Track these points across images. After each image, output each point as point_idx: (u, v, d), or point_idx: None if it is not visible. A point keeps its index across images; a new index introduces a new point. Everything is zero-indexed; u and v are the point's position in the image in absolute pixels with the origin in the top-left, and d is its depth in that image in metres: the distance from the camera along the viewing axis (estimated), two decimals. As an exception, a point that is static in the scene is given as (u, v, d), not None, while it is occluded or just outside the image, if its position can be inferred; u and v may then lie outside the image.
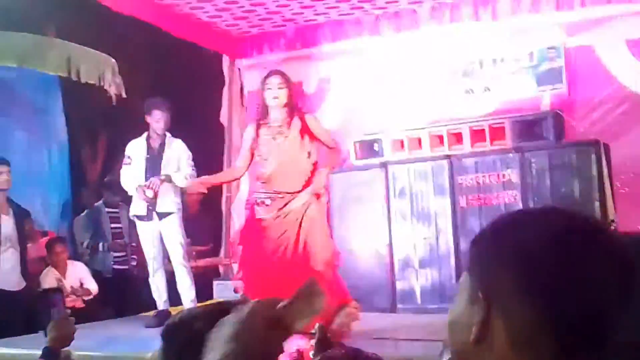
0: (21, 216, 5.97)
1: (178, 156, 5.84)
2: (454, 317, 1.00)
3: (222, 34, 7.49)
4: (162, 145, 5.87)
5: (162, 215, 5.74)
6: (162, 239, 5.79)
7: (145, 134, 5.89)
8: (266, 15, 7.02)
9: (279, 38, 7.50)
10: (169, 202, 5.75)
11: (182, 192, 6.08)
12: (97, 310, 6.63)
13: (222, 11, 6.85)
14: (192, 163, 5.87)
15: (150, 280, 5.87)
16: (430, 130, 6.58)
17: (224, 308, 1.46)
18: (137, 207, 5.77)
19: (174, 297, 5.87)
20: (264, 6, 6.76)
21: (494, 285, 0.93)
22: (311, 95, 7.68)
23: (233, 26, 7.32)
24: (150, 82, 7.09)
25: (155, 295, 5.86)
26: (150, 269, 5.84)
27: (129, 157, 5.84)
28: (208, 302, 1.61)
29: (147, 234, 5.80)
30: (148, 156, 5.81)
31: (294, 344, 2.55)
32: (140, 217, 5.80)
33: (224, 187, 7.87)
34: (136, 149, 5.86)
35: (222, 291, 6.97)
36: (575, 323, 0.89)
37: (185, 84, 7.12)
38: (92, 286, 6.68)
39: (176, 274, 5.81)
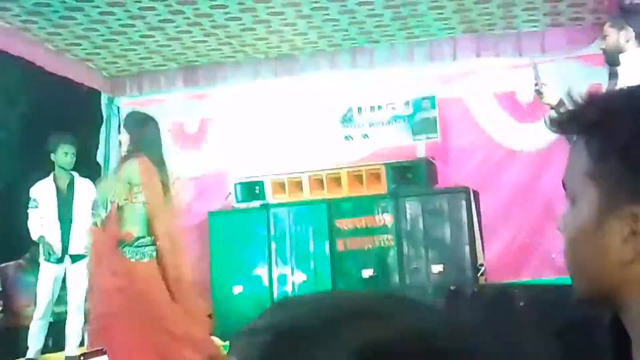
0: None
1: (88, 197, 5.68)
2: (577, 230, 0.80)
3: (99, 72, 7.31)
4: (71, 185, 5.71)
5: (75, 258, 5.57)
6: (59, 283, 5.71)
7: (51, 175, 5.71)
8: (146, 54, 6.92)
9: (159, 77, 7.41)
10: (81, 245, 5.59)
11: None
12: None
13: (99, 49, 6.69)
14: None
15: (32, 324, 5.63)
16: (311, 174, 6.69)
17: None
18: (49, 250, 5.59)
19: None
20: (144, 45, 6.66)
21: None
22: (193, 135, 7.63)
23: (111, 64, 7.16)
24: (28, 120, 6.82)
25: (30, 341, 5.63)
26: (38, 313, 5.64)
27: (34, 200, 5.64)
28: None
29: (49, 277, 5.65)
30: (59, 199, 5.62)
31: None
32: (49, 262, 5.61)
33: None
34: (43, 192, 5.66)
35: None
36: None
37: (64, 120, 6.87)
38: None
39: (70, 317, 5.73)
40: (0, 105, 6.22)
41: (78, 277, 5.64)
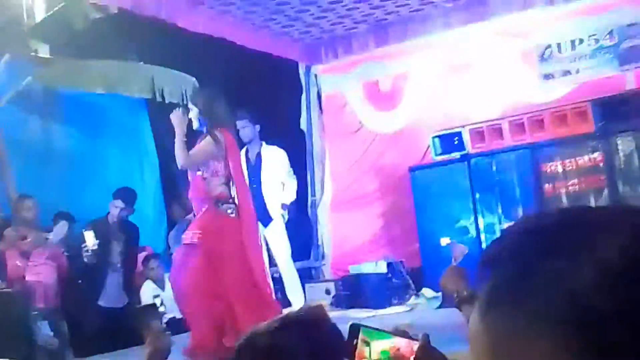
0: (130, 234, 6.36)
1: (276, 165, 6.06)
2: None
3: (296, 42, 7.64)
4: (259, 156, 6.10)
5: (266, 222, 5.95)
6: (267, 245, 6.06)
7: (244, 149, 6.13)
8: (337, 20, 7.11)
9: (351, 40, 7.58)
10: (273, 209, 5.99)
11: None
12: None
13: (294, 21, 6.99)
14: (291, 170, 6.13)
15: None
16: (511, 119, 6.50)
17: (289, 322, 1.51)
18: None
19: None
20: (335, 11, 6.85)
21: None
22: (388, 93, 7.73)
23: (306, 33, 7.45)
24: (229, 96, 7.30)
25: None
26: None
27: None
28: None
29: None
30: (248, 169, 6.04)
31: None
32: None
33: (309, 190, 8.05)
34: None
35: (312, 293, 7.12)
36: None
37: (263, 94, 7.30)
38: None
39: (284, 276, 6.05)
40: (205, 87, 6.71)
41: (275, 238, 6.02)
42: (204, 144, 4.63)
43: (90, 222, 6.12)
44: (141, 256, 6.90)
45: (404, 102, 7.60)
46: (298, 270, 7.40)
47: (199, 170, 4.65)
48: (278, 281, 6.35)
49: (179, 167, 4.69)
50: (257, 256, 4.78)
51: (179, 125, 4.61)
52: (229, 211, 4.60)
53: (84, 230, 5.90)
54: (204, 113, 4.69)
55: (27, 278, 5.61)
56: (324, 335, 1.48)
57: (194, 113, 4.73)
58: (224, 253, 4.52)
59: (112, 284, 6.20)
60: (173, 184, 9.46)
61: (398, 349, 2.52)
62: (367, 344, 2.20)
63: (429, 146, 6.95)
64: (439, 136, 6.82)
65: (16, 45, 6.53)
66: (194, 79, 6.29)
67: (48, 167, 6.85)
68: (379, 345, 2.56)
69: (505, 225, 6.30)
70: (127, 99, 7.49)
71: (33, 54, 6.99)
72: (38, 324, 5.09)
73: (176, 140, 4.58)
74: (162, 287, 6.67)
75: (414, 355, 2.09)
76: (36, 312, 5.23)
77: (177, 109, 4.79)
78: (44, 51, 7.29)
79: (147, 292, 6.46)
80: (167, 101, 6.28)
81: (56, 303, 5.76)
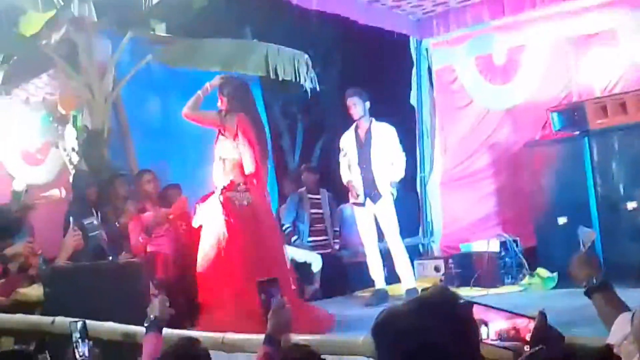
0: None
1: (385, 142, 6.05)
2: None
3: (407, 16, 7.53)
4: (368, 132, 6.09)
5: (375, 199, 5.96)
6: (376, 222, 6.08)
7: (354, 125, 6.15)
8: (450, -9, 6.96)
9: (465, 13, 7.38)
10: (382, 186, 5.99)
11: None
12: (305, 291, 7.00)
13: (406, -6, 6.89)
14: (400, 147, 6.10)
15: (368, 260, 6.14)
16: (635, 93, 6.16)
17: (426, 304, 1.50)
18: (356, 193, 6.06)
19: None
20: (447, -17, 6.70)
21: None
22: (502, 67, 7.50)
23: (417, 7, 7.33)
24: (340, 72, 7.35)
25: (373, 274, 6.13)
26: (367, 250, 6.12)
27: (342, 150, 6.17)
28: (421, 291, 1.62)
29: (364, 218, 6.11)
30: (358, 146, 6.06)
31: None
32: (357, 204, 6.10)
33: (418, 167, 7.97)
34: (347, 141, 6.15)
35: (422, 270, 7.09)
36: None
37: (374, 70, 7.27)
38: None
39: (393, 253, 6.08)
40: (319, 62, 6.75)
41: (384, 215, 6.02)
42: (211, 112, 5.26)
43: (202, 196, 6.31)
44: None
45: (519, 75, 7.35)
46: (406, 247, 7.38)
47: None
48: (387, 257, 6.35)
49: (182, 113, 5.34)
50: (273, 239, 5.20)
51: (205, 91, 5.28)
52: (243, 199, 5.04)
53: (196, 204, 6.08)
54: (228, 101, 5.19)
55: (148, 249, 5.86)
56: (459, 316, 1.47)
57: (220, 102, 5.23)
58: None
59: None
60: (283, 159, 9.66)
61: (515, 328, 2.47)
62: (485, 323, 2.16)
63: (546, 121, 6.69)
64: (558, 111, 6.56)
65: (136, 24, 6.78)
66: (306, 55, 6.33)
67: (166, 143, 7.09)
68: (496, 325, 2.49)
69: (629, 205, 6.01)
70: (240, 76, 7.64)
71: (152, 32, 7.25)
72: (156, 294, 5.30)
73: (197, 94, 5.24)
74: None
75: (530, 334, 2.04)
76: (156, 282, 5.46)
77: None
78: (160, 30, 7.55)
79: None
80: (280, 78, 6.36)
81: (175, 274, 5.98)
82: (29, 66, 6.76)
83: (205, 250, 5.03)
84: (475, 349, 1.49)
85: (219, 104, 5.22)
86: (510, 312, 2.12)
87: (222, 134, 5.16)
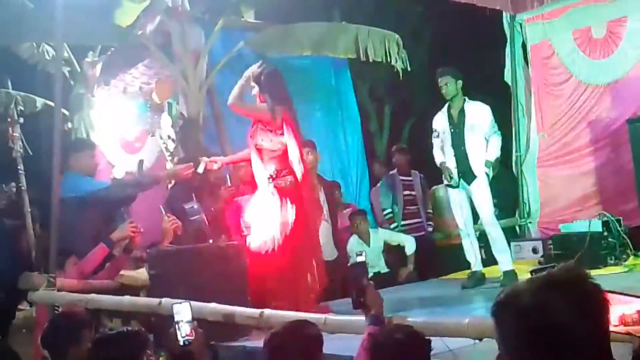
0: (331, 189, 6.51)
1: (480, 121, 5.90)
2: None
3: (500, -9, 7.32)
4: (462, 112, 5.94)
5: (470, 180, 5.88)
6: (470, 203, 5.95)
7: (446, 105, 6.02)
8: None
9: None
10: (476, 166, 5.87)
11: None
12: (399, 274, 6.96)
13: (498, -32, 6.68)
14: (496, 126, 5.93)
15: (464, 242, 6.03)
16: None
17: (551, 281, 1.43)
18: (449, 174, 5.95)
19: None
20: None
21: None
22: (601, 40, 7.18)
23: (510, -20, 7.11)
24: (429, 51, 7.22)
25: (469, 256, 6.03)
26: (462, 232, 6.02)
27: (435, 131, 6.07)
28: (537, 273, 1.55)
29: (458, 200, 5.99)
30: (451, 126, 5.95)
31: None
32: (450, 186, 6.00)
33: (514, 146, 7.76)
34: (440, 122, 6.04)
35: (519, 252, 6.91)
36: None
37: (466, 48, 7.10)
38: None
39: (489, 234, 5.96)
40: (408, 42, 6.62)
41: (479, 196, 5.87)
42: (260, 105, 5.00)
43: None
44: (347, 212, 7.07)
45: (620, 49, 7.02)
46: (503, 228, 7.21)
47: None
48: (483, 239, 6.22)
49: (228, 104, 5.12)
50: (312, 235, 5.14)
51: (248, 81, 5.03)
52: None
53: None
54: (263, 90, 4.98)
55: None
56: (590, 296, 1.39)
57: (255, 91, 5.04)
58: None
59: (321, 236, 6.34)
60: (372, 141, 9.60)
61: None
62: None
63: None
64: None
65: (227, 12, 6.87)
66: (397, 35, 6.24)
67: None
68: (619, 309, 2.38)
69: None
70: (328, 60, 7.65)
71: (242, 19, 7.33)
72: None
73: (239, 84, 5.00)
74: (367, 242, 6.81)
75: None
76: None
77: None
78: (249, 16, 7.62)
79: (354, 247, 6.62)
80: (370, 60, 6.30)
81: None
82: (125, 56, 6.97)
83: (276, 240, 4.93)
84: (604, 334, 1.39)
85: (254, 92, 5.10)
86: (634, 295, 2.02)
87: (263, 124, 5.00)
